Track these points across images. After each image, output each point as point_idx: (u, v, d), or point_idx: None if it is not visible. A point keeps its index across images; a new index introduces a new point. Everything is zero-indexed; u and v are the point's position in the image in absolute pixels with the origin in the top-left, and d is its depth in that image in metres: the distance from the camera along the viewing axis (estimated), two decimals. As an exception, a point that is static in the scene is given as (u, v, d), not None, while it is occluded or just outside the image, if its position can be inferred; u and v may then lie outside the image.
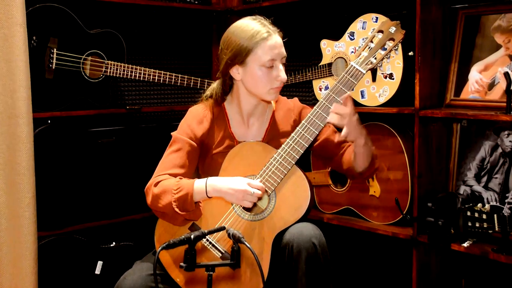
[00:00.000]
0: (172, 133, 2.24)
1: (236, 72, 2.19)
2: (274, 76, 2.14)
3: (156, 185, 2.10)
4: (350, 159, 2.25)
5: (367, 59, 2.11)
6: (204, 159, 2.27)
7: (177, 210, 2.04)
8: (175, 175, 2.13)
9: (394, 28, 2.13)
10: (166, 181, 2.09)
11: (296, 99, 2.38)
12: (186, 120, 2.26)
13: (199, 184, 2.07)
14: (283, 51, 2.17)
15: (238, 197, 2.04)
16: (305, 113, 2.21)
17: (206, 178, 2.09)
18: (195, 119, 2.25)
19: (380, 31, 2.14)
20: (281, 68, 2.16)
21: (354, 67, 2.10)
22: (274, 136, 2.28)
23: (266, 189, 2.07)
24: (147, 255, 2.23)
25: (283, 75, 2.15)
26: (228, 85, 2.27)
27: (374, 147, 2.26)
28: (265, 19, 2.20)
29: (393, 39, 2.12)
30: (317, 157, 2.38)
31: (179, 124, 2.26)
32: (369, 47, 2.13)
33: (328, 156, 2.35)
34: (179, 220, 2.10)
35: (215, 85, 2.31)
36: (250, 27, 2.14)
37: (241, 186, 2.03)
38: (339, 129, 2.13)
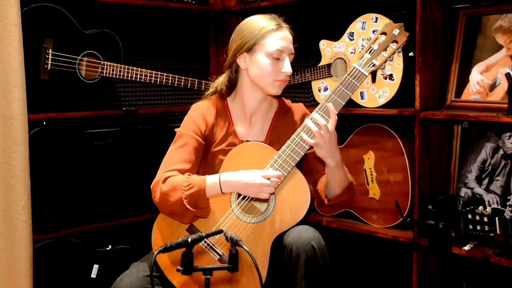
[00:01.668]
0: (176, 129, 2.23)
1: (242, 60, 2.19)
2: (279, 68, 2.16)
3: (164, 181, 2.07)
4: (326, 182, 2.22)
5: (369, 61, 2.10)
6: (206, 156, 2.26)
7: (188, 207, 2.02)
8: (182, 171, 2.11)
9: (398, 30, 2.12)
10: (175, 178, 2.07)
11: (301, 104, 2.39)
12: (190, 116, 2.25)
13: (211, 180, 2.05)
14: (291, 47, 2.20)
15: (254, 191, 2.03)
16: None
17: (218, 174, 2.07)
18: (200, 115, 2.24)
19: (383, 33, 2.13)
20: (288, 62, 2.17)
21: (357, 69, 2.09)
22: (276, 137, 2.27)
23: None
24: (145, 256, 2.22)
25: (288, 68, 2.17)
26: (233, 80, 2.26)
27: (351, 179, 2.23)
28: (278, 16, 2.23)
29: (396, 42, 2.12)
30: (302, 169, 2.33)
31: (183, 120, 2.26)
32: (371, 49, 2.11)
33: (309, 171, 2.30)
34: (189, 217, 2.08)
35: (220, 78, 2.32)
36: (262, 19, 2.19)
37: (256, 179, 2.02)
38: None
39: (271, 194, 2.06)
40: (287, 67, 2.17)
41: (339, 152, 2.13)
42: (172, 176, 2.08)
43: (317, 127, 2.05)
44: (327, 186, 2.21)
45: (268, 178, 2.02)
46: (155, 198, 2.09)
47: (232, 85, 2.28)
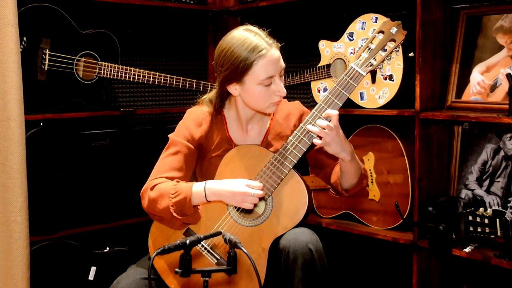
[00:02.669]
0: (169, 135, 2.20)
1: (233, 88, 2.12)
2: (273, 91, 2.08)
3: (152, 188, 2.06)
4: (339, 173, 2.19)
5: (367, 60, 2.07)
6: (202, 162, 2.23)
7: (175, 214, 2.00)
8: (172, 179, 2.09)
9: (395, 29, 2.09)
10: (163, 185, 2.05)
11: (297, 102, 2.33)
12: (184, 122, 2.21)
13: (197, 188, 2.03)
14: (281, 64, 2.08)
15: (237, 200, 2.00)
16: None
17: (204, 182, 2.05)
18: (194, 122, 2.20)
19: (381, 32, 2.10)
20: (280, 82, 2.09)
21: (354, 69, 2.06)
22: (273, 140, 2.23)
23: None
24: (142, 259, 2.20)
25: (282, 90, 2.09)
26: (225, 96, 2.21)
27: (363, 166, 2.21)
28: (260, 29, 2.11)
29: (394, 40, 2.08)
30: (310, 165, 2.31)
31: (177, 126, 2.22)
32: (369, 49, 2.08)
33: (320, 166, 2.28)
34: (178, 224, 2.06)
35: (212, 94, 2.23)
36: (246, 43, 2.03)
37: (240, 188, 1.99)
38: None
39: (255, 204, 2.02)
40: (280, 89, 2.08)
41: (350, 143, 2.09)
42: (161, 183, 2.06)
43: (319, 127, 2.02)
44: (342, 178, 2.16)
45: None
46: (144, 205, 2.09)
47: (225, 98, 2.22)
